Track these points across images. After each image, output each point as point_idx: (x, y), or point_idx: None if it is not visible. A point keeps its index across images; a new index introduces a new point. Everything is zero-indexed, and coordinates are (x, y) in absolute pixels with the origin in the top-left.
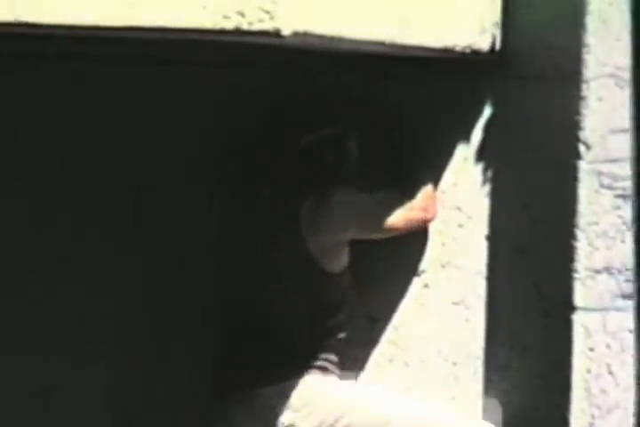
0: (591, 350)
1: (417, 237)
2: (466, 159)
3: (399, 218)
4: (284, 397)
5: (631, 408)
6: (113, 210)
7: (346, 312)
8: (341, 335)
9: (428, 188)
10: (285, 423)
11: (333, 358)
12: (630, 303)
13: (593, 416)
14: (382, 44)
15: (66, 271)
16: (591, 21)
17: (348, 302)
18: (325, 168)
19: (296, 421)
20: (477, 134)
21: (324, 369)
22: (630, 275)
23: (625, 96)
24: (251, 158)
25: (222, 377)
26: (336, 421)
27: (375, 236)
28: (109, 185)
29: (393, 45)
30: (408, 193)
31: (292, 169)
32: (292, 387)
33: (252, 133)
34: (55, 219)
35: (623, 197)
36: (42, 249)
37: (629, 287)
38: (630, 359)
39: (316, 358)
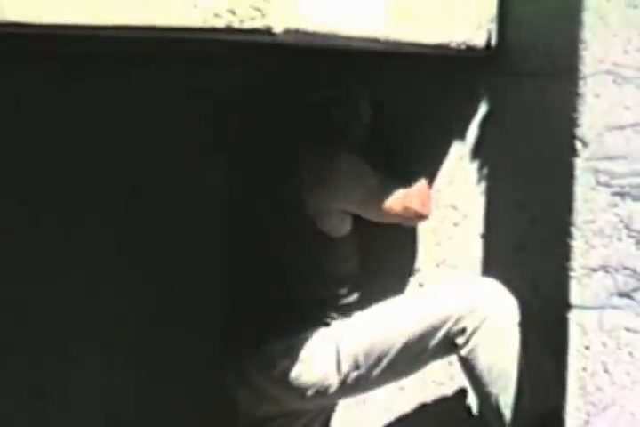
0: (587, 348)
1: (411, 235)
2: (461, 157)
3: (397, 203)
4: (290, 351)
5: (627, 406)
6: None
7: (352, 279)
8: (349, 299)
9: (423, 183)
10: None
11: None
12: (627, 301)
13: (588, 414)
14: (376, 40)
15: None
16: (588, 17)
17: (355, 269)
18: (334, 127)
19: (303, 372)
20: (473, 131)
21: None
22: (628, 273)
23: (622, 93)
24: (256, 117)
25: (233, 333)
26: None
27: (369, 215)
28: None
29: (387, 42)
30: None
31: (298, 126)
32: (298, 342)
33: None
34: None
35: (620, 194)
36: (35, 246)
37: (626, 285)
38: (627, 357)
39: (320, 317)
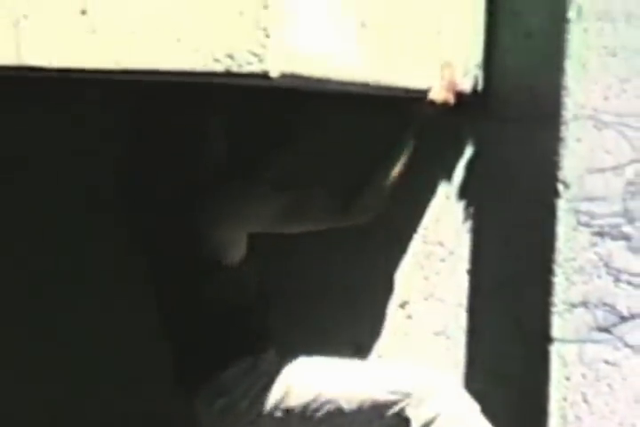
0: (567, 379)
1: (400, 269)
2: (448, 197)
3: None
4: (226, 387)
5: None
6: None
7: (261, 304)
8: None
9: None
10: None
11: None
12: (606, 336)
13: None
14: (367, 85)
15: None
16: (570, 65)
17: (260, 301)
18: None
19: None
20: (459, 172)
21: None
22: (607, 309)
23: (603, 137)
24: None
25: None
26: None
27: (292, 230)
28: None
29: (378, 87)
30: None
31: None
32: (230, 378)
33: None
34: None
35: (600, 234)
36: None
37: (605, 321)
38: (606, 389)
39: (248, 348)
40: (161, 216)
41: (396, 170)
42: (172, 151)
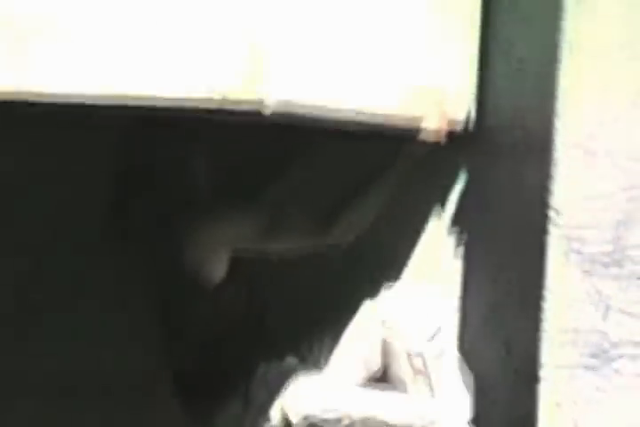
0: (558, 405)
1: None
2: (440, 225)
3: None
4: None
5: None
6: None
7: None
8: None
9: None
10: None
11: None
12: (596, 362)
13: None
14: (363, 122)
15: None
16: (562, 94)
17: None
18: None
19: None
20: (452, 202)
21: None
22: (598, 336)
23: (594, 165)
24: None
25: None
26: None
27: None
28: None
29: (373, 124)
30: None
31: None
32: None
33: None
34: None
35: (591, 261)
36: None
37: (597, 348)
38: (596, 415)
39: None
40: (148, 236)
41: (381, 196)
42: (157, 175)
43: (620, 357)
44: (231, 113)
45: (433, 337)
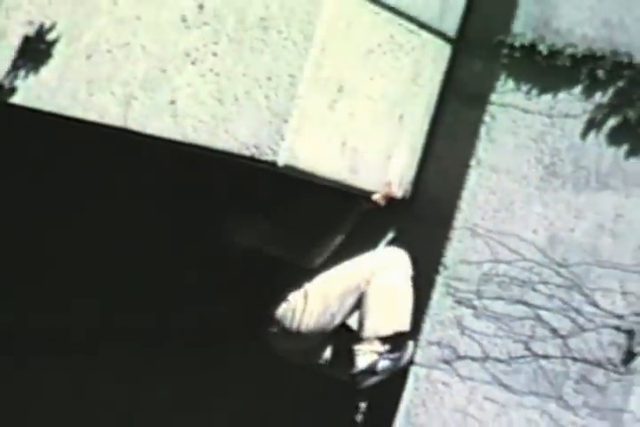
0: (416, 389)
1: None
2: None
3: None
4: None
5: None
6: None
7: None
8: None
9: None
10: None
11: None
12: (446, 366)
13: None
14: (339, 182)
15: None
16: (465, 194)
17: None
18: None
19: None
20: (381, 246)
21: None
22: (451, 349)
23: (474, 242)
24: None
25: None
26: None
27: None
28: None
29: (345, 185)
30: None
31: None
32: None
33: None
34: None
35: (459, 302)
36: None
37: (448, 356)
38: (438, 399)
39: None
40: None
41: (338, 237)
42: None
43: (462, 365)
44: (258, 161)
45: None
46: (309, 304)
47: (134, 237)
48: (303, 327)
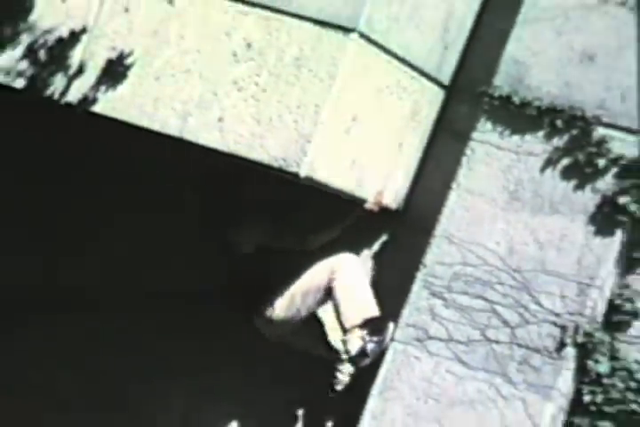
0: (393, 361)
1: None
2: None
3: None
4: None
5: (404, 390)
6: None
7: None
8: None
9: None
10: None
11: None
12: (418, 344)
13: (386, 390)
14: (347, 193)
15: None
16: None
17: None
18: None
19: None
20: (373, 250)
21: None
22: (423, 331)
23: (450, 248)
24: None
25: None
26: None
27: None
28: None
29: (351, 195)
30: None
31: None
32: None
33: None
34: None
35: (433, 294)
36: None
37: (422, 336)
38: (409, 369)
39: None
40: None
41: (334, 230)
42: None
43: (431, 343)
44: (285, 172)
45: None
46: (280, 300)
47: (178, 222)
48: (274, 317)
